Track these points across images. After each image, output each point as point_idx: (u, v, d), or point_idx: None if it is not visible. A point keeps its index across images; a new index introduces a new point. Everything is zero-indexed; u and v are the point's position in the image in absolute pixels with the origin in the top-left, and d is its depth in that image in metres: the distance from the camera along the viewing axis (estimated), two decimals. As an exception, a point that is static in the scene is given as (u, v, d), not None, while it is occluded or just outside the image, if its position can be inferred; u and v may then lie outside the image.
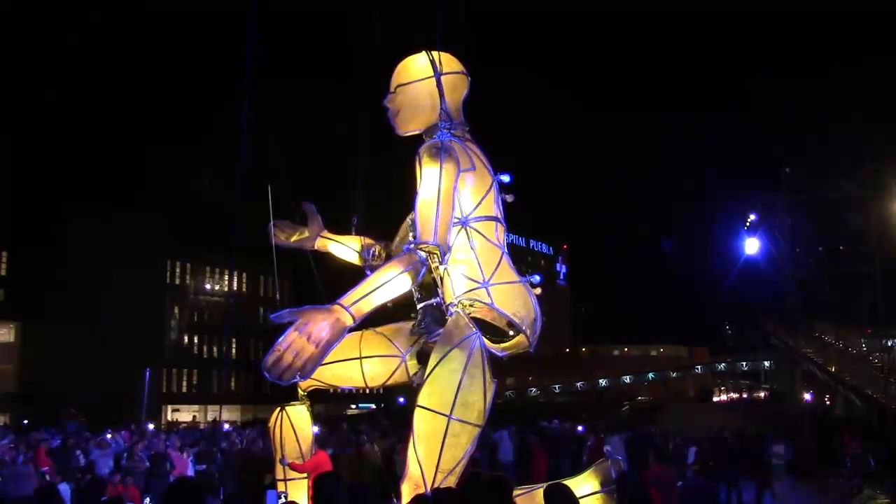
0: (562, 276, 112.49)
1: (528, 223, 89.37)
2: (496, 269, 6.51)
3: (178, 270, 59.24)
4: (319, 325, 5.45)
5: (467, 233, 6.59)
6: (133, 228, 48.74)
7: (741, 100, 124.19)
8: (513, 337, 6.46)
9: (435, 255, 6.13)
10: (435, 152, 6.43)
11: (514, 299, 6.47)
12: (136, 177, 62.29)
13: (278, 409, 7.37)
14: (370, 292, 5.84)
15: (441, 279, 6.63)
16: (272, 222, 7.83)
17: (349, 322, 5.64)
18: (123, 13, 77.31)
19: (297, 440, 7.30)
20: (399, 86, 7.17)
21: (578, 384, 69.10)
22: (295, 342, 5.40)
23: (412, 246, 6.09)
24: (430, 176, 6.32)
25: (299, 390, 7.36)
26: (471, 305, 6.42)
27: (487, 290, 6.39)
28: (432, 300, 6.69)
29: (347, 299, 5.69)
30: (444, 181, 6.29)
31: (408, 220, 6.91)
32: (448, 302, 6.59)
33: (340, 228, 7.98)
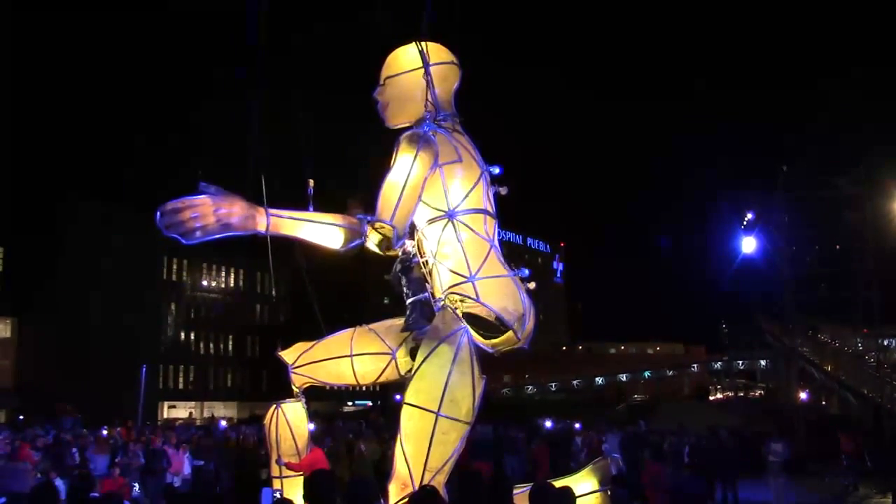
0: (559, 274, 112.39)
1: (525, 221, 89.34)
2: (483, 263, 6.32)
3: (175, 267, 59.04)
4: (233, 209, 5.46)
5: (454, 226, 6.42)
6: (130, 224, 48.55)
7: (741, 98, 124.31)
8: (503, 332, 6.24)
9: (387, 237, 6.06)
10: (414, 139, 6.37)
11: (501, 294, 6.27)
12: (133, 172, 62.06)
13: (274, 406, 7.28)
14: (301, 219, 5.87)
15: (430, 274, 6.55)
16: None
17: (261, 227, 5.64)
18: (124, 9, 77.07)
19: (293, 437, 7.22)
20: (388, 78, 7.06)
21: (575, 382, 69.10)
22: (203, 208, 5.41)
23: (366, 219, 6.06)
24: (403, 162, 6.26)
25: (294, 388, 7.29)
26: (461, 301, 6.25)
27: (474, 284, 6.21)
28: (421, 295, 6.62)
29: (277, 210, 5.72)
30: (416, 170, 6.21)
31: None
32: (437, 297, 6.47)
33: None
